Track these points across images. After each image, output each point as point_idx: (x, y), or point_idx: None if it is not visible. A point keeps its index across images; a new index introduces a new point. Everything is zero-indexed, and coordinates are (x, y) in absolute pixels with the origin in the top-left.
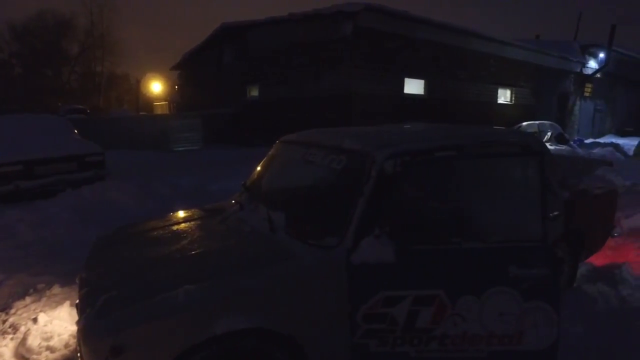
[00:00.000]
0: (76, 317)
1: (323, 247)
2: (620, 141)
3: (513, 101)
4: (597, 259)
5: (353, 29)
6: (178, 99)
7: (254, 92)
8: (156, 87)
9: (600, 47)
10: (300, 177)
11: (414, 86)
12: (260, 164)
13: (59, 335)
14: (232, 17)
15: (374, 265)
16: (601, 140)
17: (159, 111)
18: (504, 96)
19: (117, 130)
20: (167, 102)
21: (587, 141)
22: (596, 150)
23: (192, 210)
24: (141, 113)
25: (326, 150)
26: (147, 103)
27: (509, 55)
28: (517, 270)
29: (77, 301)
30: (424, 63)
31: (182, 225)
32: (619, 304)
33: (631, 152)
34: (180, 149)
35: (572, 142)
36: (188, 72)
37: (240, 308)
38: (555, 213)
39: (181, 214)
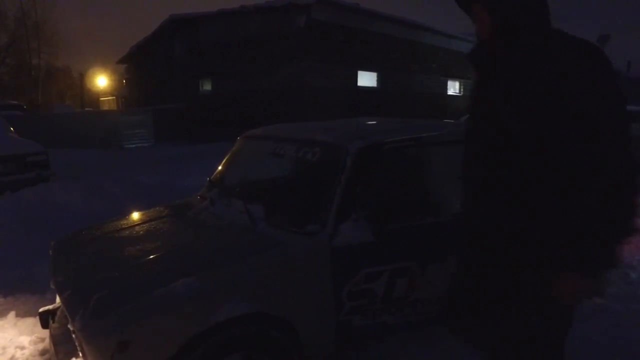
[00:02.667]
0: (28, 327)
1: (306, 234)
2: None
3: (462, 92)
4: None
5: (306, 22)
6: (126, 93)
7: (207, 86)
8: (102, 81)
9: None
10: (273, 170)
11: (367, 79)
12: (225, 159)
13: (3, 348)
14: (182, 8)
15: (354, 246)
16: None
17: (106, 107)
18: (453, 88)
19: (60, 128)
20: (114, 97)
21: None
22: None
23: (158, 208)
24: (86, 109)
25: (298, 143)
26: (93, 98)
27: (457, 48)
28: None
29: (61, 305)
30: (377, 56)
31: (153, 222)
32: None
33: None
34: (131, 146)
35: None
36: (136, 65)
37: (238, 295)
38: None
39: (148, 212)
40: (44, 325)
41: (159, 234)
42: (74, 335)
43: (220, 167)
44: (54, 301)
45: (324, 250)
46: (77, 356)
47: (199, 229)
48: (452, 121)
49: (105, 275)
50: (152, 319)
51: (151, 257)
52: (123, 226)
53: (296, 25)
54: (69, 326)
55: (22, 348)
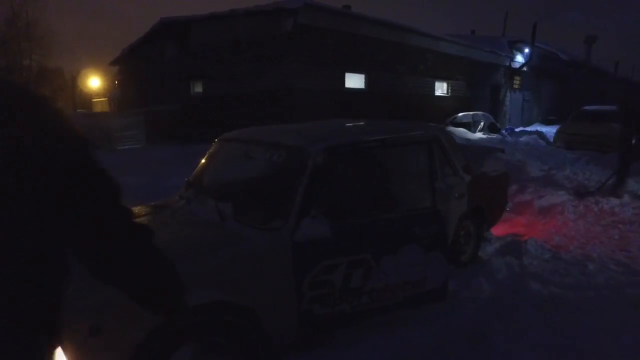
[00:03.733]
0: None
1: (270, 230)
2: (545, 129)
3: (449, 93)
4: (514, 235)
5: (294, 26)
6: (118, 95)
7: (198, 88)
8: (94, 82)
9: (525, 43)
10: (244, 171)
11: (354, 81)
12: (202, 161)
13: None
14: (173, 10)
15: (314, 240)
16: (528, 128)
17: (98, 108)
18: (440, 89)
19: None
20: (107, 99)
21: (517, 129)
22: (523, 138)
23: (136, 207)
24: (79, 110)
25: (266, 146)
26: (85, 100)
27: (444, 50)
28: (420, 230)
29: None
30: (364, 58)
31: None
32: (520, 271)
33: (552, 139)
34: (123, 147)
35: (503, 131)
36: (128, 67)
37: (204, 285)
38: (461, 193)
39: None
40: None
41: None
42: None
43: (197, 168)
44: None
45: (285, 244)
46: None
47: (174, 226)
48: (413, 122)
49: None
50: (121, 306)
51: None
52: None
53: (284, 28)
54: None
55: None
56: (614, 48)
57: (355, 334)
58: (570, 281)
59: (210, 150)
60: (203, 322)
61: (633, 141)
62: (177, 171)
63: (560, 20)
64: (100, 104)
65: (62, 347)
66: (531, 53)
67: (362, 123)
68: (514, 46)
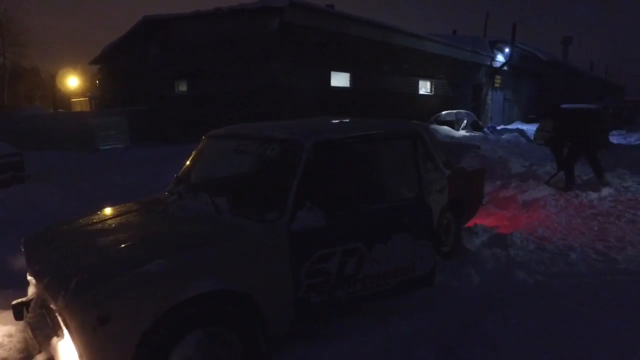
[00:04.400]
0: (6, 319)
1: (267, 221)
2: (525, 127)
3: (433, 92)
4: (501, 228)
5: (280, 24)
6: (99, 94)
7: (182, 87)
8: (73, 82)
9: (506, 43)
10: (236, 165)
11: (340, 79)
12: (191, 157)
13: None
14: (155, 9)
15: (310, 230)
16: (509, 126)
17: (78, 108)
18: (424, 87)
19: (31, 130)
20: (87, 99)
21: (499, 127)
22: (505, 136)
23: (127, 203)
24: (58, 110)
25: (259, 141)
26: (64, 99)
27: (428, 49)
28: (408, 219)
29: (34, 296)
30: (349, 57)
31: (123, 216)
32: (506, 261)
33: (533, 137)
34: (106, 147)
35: (485, 129)
36: (110, 66)
37: (206, 274)
38: (442, 187)
39: (117, 207)
40: (18, 317)
41: (129, 226)
42: (57, 315)
43: (186, 165)
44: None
45: (282, 234)
46: (58, 336)
47: (168, 219)
48: (401, 120)
49: (81, 261)
50: (129, 295)
51: (124, 244)
52: (94, 220)
53: (270, 27)
54: (40, 311)
55: (10, 336)
56: (589, 49)
57: (349, 324)
58: (555, 270)
59: (199, 147)
60: (206, 310)
61: (566, 149)
62: (166, 170)
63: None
64: (80, 104)
65: (71, 335)
66: (511, 53)
67: (349, 120)
68: (495, 46)
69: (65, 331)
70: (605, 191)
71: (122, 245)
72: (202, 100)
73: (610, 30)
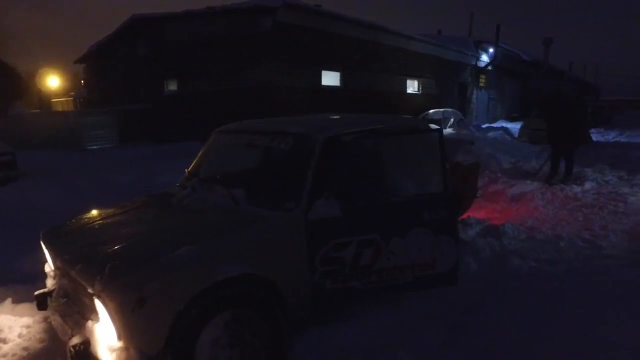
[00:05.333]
0: (26, 311)
1: (285, 210)
2: (509, 125)
3: (420, 91)
4: (493, 220)
5: (272, 24)
6: (85, 94)
7: (172, 86)
8: (53, 82)
9: (490, 43)
10: (250, 159)
11: (330, 78)
12: (201, 152)
13: (9, 327)
14: (143, 7)
15: (326, 220)
16: (494, 125)
17: (59, 108)
18: (412, 86)
19: (18, 130)
20: (72, 98)
21: (484, 126)
22: (490, 134)
23: (140, 198)
24: (35, 110)
25: (272, 135)
26: (44, 99)
27: (415, 48)
28: (429, 214)
29: (68, 278)
30: (340, 56)
31: (140, 209)
32: (500, 250)
33: (517, 134)
34: (94, 147)
35: (471, 127)
36: (96, 65)
37: (233, 260)
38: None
39: (131, 202)
40: (41, 306)
41: (148, 217)
42: (95, 299)
43: (197, 159)
44: (44, 287)
45: (299, 223)
46: (92, 320)
47: (186, 211)
48: (404, 116)
49: (110, 250)
50: (164, 278)
51: (149, 234)
52: (110, 214)
53: (262, 27)
54: (64, 300)
55: (28, 327)
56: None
57: (361, 308)
58: (545, 257)
59: (209, 142)
60: (233, 293)
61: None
62: (162, 169)
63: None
64: (61, 104)
65: (111, 317)
66: (495, 53)
67: (361, 115)
68: (479, 46)
69: (102, 314)
70: (588, 184)
71: (148, 235)
72: (192, 99)
73: (589, 32)
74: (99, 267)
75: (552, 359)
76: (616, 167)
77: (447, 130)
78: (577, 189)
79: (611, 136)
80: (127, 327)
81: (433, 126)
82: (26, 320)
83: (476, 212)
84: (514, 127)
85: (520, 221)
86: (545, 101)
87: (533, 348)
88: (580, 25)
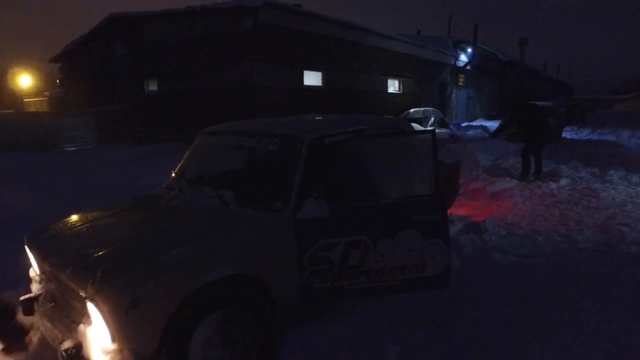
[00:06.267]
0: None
1: (273, 210)
2: (488, 124)
3: (401, 90)
4: (474, 217)
5: (254, 24)
6: (61, 94)
7: (153, 87)
8: (25, 81)
9: (468, 43)
10: (237, 160)
11: (312, 78)
12: (187, 154)
13: None
14: (120, 5)
15: (314, 220)
16: (473, 123)
17: (32, 108)
18: (393, 86)
19: None
20: (46, 98)
21: (463, 124)
22: (470, 132)
23: (126, 200)
24: (6, 111)
25: (259, 136)
26: (14, 99)
27: (395, 48)
28: (419, 216)
29: (58, 282)
30: (321, 56)
31: (128, 211)
32: (482, 245)
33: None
34: (72, 148)
35: (451, 126)
36: (72, 64)
37: (224, 260)
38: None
39: (117, 204)
40: (27, 312)
41: (136, 219)
42: (87, 302)
43: (183, 161)
44: (29, 291)
45: (288, 223)
46: (84, 323)
47: (175, 212)
48: (388, 117)
49: (100, 253)
50: (156, 280)
51: (139, 236)
52: (97, 216)
53: (243, 26)
54: (51, 304)
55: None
56: (545, 50)
57: (348, 304)
58: (525, 251)
59: (194, 143)
60: (225, 293)
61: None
62: (144, 170)
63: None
64: (34, 104)
65: (104, 320)
66: (473, 53)
67: (346, 116)
68: (458, 46)
69: (95, 317)
70: (563, 181)
71: (138, 237)
72: (173, 99)
73: (563, 33)
74: (90, 270)
75: (530, 348)
76: (589, 164)
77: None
78: (553, 185)
79: (584, 134)
80: (121, 329)
81: (426, 128)
82: None
83: (457, 210)
84: (493, 125)
85: (500, 217)
86: (513, 106)
87: (514, 342)
88: (554, 26)
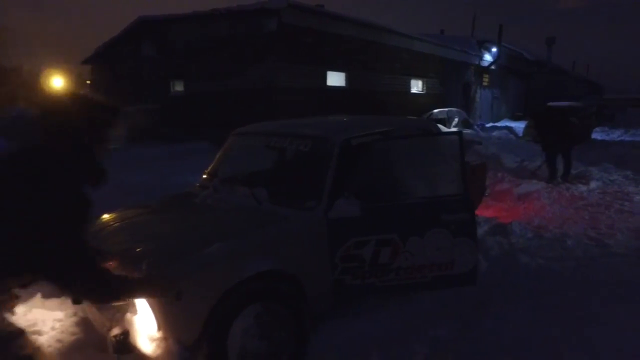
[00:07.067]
0: (55, 305)
1: (306, 209)
2: (513, 124)
3: (424, 91)
4: (500, 219)
5: (277, 25)
6: (91, 95)
7: (179, 87)
8: (57, 82)
9: (493, 43)
10: (269, 160)
11: (335, 79)
12: (220, 153)
13: (42, 321)
14: (148, 8)
15: (346, 218)
16: (498, 124)
17: None
18: (416, 86)
19: (20, 131)
20: None
21: (488, 125)
22: (495, 133)
23: (161, 199)
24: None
25: (290, 137)
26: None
27: (419, 49)
28: (447, 215)
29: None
30: (344, 57)
31: (164, 209)
32: (509, 248)
33: (521, 133)
34: None
35: (475, 126)
36: (102, 66)
37: (260, 256)
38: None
39: (153, 202)
40: (76, 301)
41: (176, 216)
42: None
43: (215, 161)
44: None
45: (321, 221)
46: (131, 312)
47: (210, 210)
48: (414, 118)
49: (143, 246)
50: (198, 274)
51: (179, 232)
52: (138, 213)
53: (267, 28)
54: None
55: (60, 320)
56: (573, 49)
57: (374, 301)
58: (554, 255)
59: (227, 144)
60: (262, 288)
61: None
62: (175, 169)
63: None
64: None
65: (151, 310)
66: (498, 52)
67: (375, 117)
68: (482, 45)
69: (142, 307)
70: (594, 183)
71: (177, 233)
72: (198, 100)
73: (593, 31)
74: (135, 264)
75: (558, 356)
76: (621, 166)
77: (453, 130)
78: (582, 188)
79: (615, 135)
80: (166, 319)
81: (450, 129)
82: (58, 314)
83: (483, 211)
84: (519, 125)
85: (527, 220)
86: (536, 115)
87: (540, 343)
88: (584, 24)
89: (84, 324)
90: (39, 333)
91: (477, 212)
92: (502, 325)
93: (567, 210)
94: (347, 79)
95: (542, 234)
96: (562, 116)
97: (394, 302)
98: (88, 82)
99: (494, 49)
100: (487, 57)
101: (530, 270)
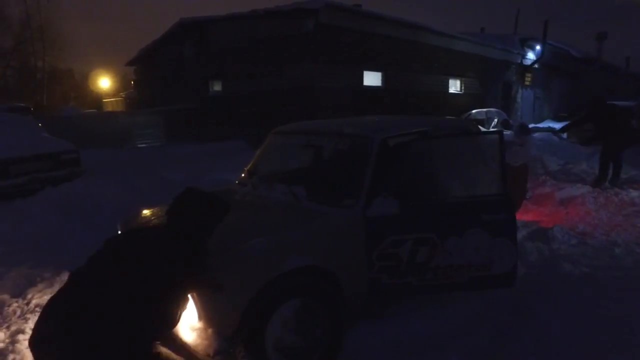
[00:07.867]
0: None
1: (344, 207)
2: (557, 125)
3: (463, 91)
4: (541, 224)
5: (314, 25)
6: (135, 95)
7: (217, 87)
8: (105, 83)
9: (537, 40)
10: (307, 158)
11: (372, 78)
12: (259, 152)
13: None
14: (189, 11)
15: (384, 217)
16: (540, 125)
17: (109, 108)
18: (454, 86)
19: (73, 129)
20: (122, 98)
21: (530, 126)
22: (536, 134)
23: None
24: (89, 111)
25: (329, 136)
26: (96, 100)
27: (457, 47)
28: (487, 215)
29: None
30: (381, 56)
31: None
32: (549, 254)
33: (565, 135)
34: (142, 145)
35: (514, 127)
36: (145, 67)
37: (299, 252)
38: None
39: None
40: None
41: None
42: None
43: (254, 159)
44: None
45: (358, 219)
46: None
47: (250, 206)
48: (452, 117)
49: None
50: (236, 267)
51: (220, 226)
52: None
53: (305, 28)
54: None
55: None
56: (626, 44)
57: (411, 305)
58: (599, 263)
59: (266, 143)
60: (301, 283)
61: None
62: (214, 167)
63: (572, 18)
64: (111, 104)
65: (192, 300)
66: (542, 50)
67: (414, 117)
68: (525, 43)
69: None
70: None
71: (218, 227)
72: (236, 99)
73: None
74: None
75: None
76: None
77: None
78: (634, 193)
79: None
80: (206, 309)
81: (489, 129)
82: None
83: (523, 215)
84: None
85: (570, 225)
86: (591, 106)
87: (584, 356)
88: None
89: None
90: None
91: (516, 216)
92: (543, 337)
93: (616, 216)
94: (384, 79)
95: (587, 241)
96: (626, 115)
97: (428, 305)
98: (132, 82)
99: (538, 47)
100: (530, 56)
101: (572, 278)
